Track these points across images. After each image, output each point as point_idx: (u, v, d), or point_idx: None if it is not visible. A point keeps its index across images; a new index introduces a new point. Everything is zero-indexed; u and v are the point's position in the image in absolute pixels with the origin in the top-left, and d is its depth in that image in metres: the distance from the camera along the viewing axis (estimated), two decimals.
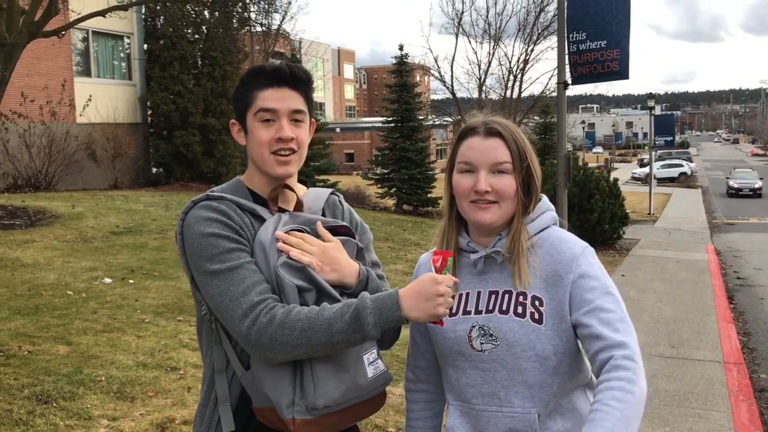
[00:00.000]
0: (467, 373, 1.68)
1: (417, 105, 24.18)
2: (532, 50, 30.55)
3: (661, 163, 47.68)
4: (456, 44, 42.81)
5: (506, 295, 1.64)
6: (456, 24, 31.69)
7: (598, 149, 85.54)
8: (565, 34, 8.51)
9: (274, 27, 28.78)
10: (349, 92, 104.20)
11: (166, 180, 20.81)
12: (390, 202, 23.26)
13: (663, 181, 43.12)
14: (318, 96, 65.89)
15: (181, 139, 20.42)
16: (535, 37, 30.27)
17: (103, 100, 19.23)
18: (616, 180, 16.33)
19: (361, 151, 67.02)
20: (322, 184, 22.68)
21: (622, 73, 8.18)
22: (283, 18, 28.82)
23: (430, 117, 31.76)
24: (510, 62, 31.55)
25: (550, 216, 1.72)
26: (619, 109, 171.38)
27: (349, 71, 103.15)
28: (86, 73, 19.71)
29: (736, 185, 37.95)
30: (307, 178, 22.16)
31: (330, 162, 24.82)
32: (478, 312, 1.67)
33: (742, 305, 9.61)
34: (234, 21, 23.22)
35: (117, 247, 9.34)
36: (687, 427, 4.83)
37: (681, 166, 48.62)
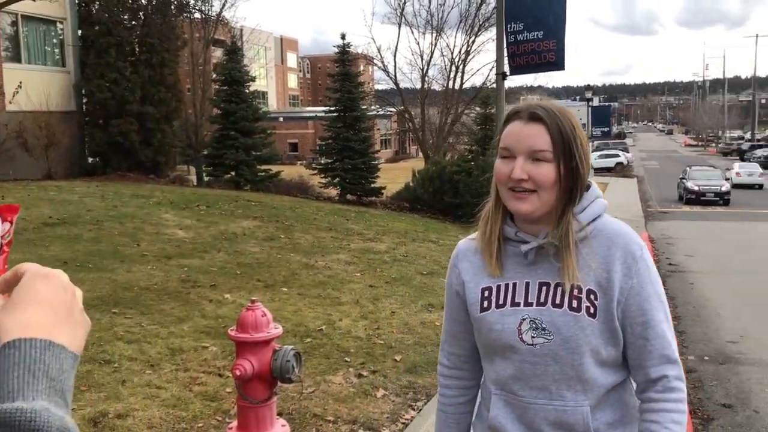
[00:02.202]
0: (515, 365, 1.61)
1: (360, 94, 24.14)
2: (473, 41, 30.88)
3: (599, 153, 48.73)
4: (399, 34, 42.83)
5: (559, 288, 1.58)
6: (399, 14, 31.77)
7: None
8: (504, 25, 8.63)
9: (214, 14, 28.26)
10: (293, 81, 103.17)
11: (103, 170, 20.23)
12: (333, 191, 23.19)
13: (600, 170, 44.10)
14: (260, 85, 64.98)
15: (117, 128, 19.87)
16: (476, 29, 30.61)
17: (35, 87, 18.53)
18: None
19: (305, 140, 66.51)
20: (264, 174, 22.44)
21: (559, 64, 8.34)
22: (224, 5, 28.33)
23: (373, 107, 31.79)
24: (452, 53, 31.82)
25: (601, 204, 1.64)
26: (559, 101, 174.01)
27: (292, 60, 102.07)
28: (16, 59, 18.94)
29: (696, 188, 28.55)
30: (248, 168, 21.90)
31: (273, 152, 24.55)
32: (528, 304, 1.60)
33: (673, 290, 9.95)
34: (172, 7, 22.69)
35: (49, 239, 9.06)
36: None
37: (617, 156, 49.84)
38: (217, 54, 33.11)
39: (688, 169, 32.01)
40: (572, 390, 1.58)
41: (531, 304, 1.59)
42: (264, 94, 75.66)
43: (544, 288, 1.59)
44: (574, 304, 1.55)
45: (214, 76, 26.76)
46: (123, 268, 7.89)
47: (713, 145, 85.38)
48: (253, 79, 24.06)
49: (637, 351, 1.57)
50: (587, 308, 1.55)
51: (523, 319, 1.59)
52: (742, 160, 53.16)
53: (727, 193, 28.58)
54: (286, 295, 7.42)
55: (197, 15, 27.32)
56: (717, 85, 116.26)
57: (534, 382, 1.60)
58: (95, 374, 4.73)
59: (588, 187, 1.63)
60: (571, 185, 1.56)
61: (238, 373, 3.21)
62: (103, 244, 8.98)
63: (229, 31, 29.88)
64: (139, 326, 5.85)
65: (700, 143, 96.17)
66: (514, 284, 1.62)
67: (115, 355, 5.10)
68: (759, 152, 59.50)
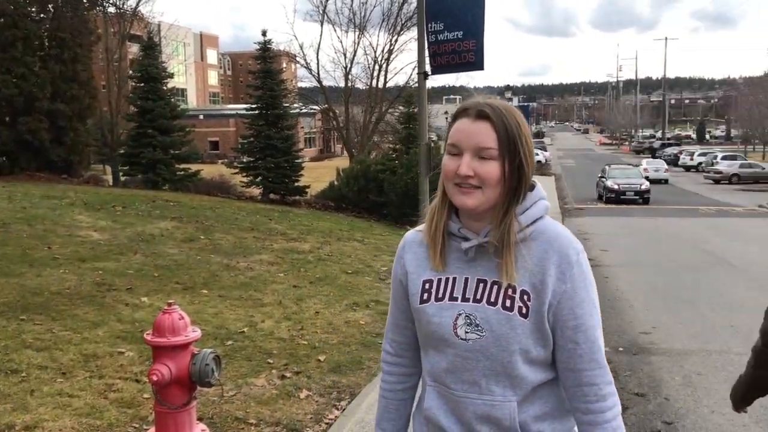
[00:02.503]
0: (449, 359, 1.64)
1: (282, 92, 23.87)
2: (396, 41, 31.06)
3: None
4: (321, 32, 42.75)
5: (495, 286, 1.60)
6: (321, 12, 31.61)
7: None
8: (425, 25, 8.70)
9: (129, 8, 27.40)
10: (213, 78, 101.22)
11: (10, 170, 19.30)
12: (256, 191, 22.86)
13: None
14: (179, 82, 63.39)
15: (26, 126, 18.99)
16: (399, 28, 30.80)
17: None
18: None
19: (226, 138, 65.36)
20: (183, 173, 21.91)
21: (478, 64, 8.47)
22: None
23: (296, 105, 31.52)
24: (375, 52, 31.92)
25: (543, 206, 1.65)
26: None
27: (212, 56, 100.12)
28: None
29: (616, 187, 28.33)
30: (166, 167, 21.33)
31: (193, 150, 24.01)
32: (465, 299, 1.62)
33: None
34: (84, 0, 21.85)
35: None
36: None
37: (536, 155, 51.07)
38: (134, 50, 32.12)
39: (606, 168, 31.61)
40: (501, 385, 1.61)
41: (468, 300, 1.61)
42: (183, 92, 73.94)
43: (482, 285, 1.61)
44: (508, 303, 1.58)
45: (131, 72, 25.95)
46: (32, 272, 7.52)
47: (626, 143, 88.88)
48: (171, 76, 23.46)
49: (567, 354, 1.61)
50: (519, 308, 1.57)
51: (459, 314, 1.61)
52: (654, 157, 55.78)
53: (647, 191, 28.31)
54: (207, 298, 7.25)
55: (111, 9, 26.40)
56: (630, 85, 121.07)
57: (465, 376, 1.63)
58: (0, 384, 4.48)
59: (532, 187, 1.65)
60: (516, 183, 1.59)
61: (155, 378, 3.10)
62: (10, 247, 8.55)
63: (146, 27, 28.99)
64: (50, 333, 5.58)
65: (614, 142, 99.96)
66: (454, 279, 1.65)
67: (22, 364, 4.85)
68: (669, 150, 62.37)
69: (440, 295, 1.65)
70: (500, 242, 1.58)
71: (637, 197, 28.05)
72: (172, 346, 3.17)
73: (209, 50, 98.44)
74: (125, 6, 26.92)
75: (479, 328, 1.59)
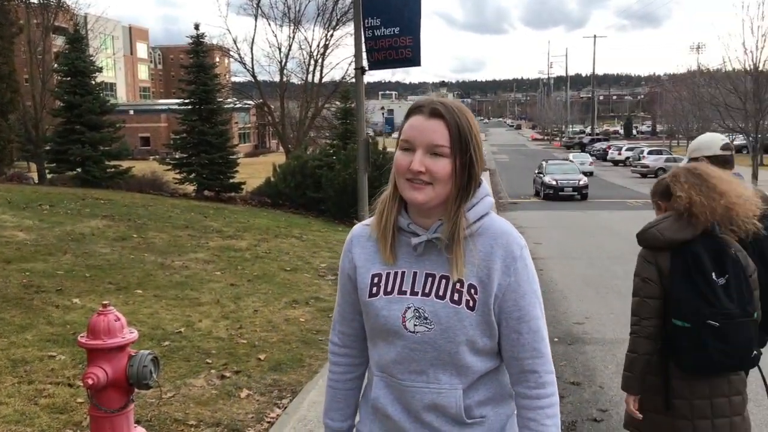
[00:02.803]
0: (397, 350, 1.68)
1: (216, 87, 23.44)
2: (331, 35, 30.95)
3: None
4: (255, 26, 42.15)
5: (443, 280, 1.64)
6: (255, 5, 31.21)
7: (397, 134, 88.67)
8: (362, 21, 8.69)
9: None
10: (143, 72, 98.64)
11: None
12: (190, 188, 22.42)
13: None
14: (108, 76, 61.51)
15: None
16: (334, 23, 30.69)
17: None
18: None
19: (157, 134, 63.84)
20: (113, 170, 21.28)
21: (415, 60, 8.52)
22: None
23: (230, 100, 31.03)
24: (311, 47, 31.74)
25: (489, 202, 1.70)
26: (417, 96, 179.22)
27: (142, 50, 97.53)
28: None
29: (554, 183, 28.05)
30: (96, 164, 20.68)
31: (123, 146, 23.33)
32: (414, 293, 1.66)
33: None
34: None
35: None
36: None
37: None
38: (59, 42, 30.99)
39: (543, 163, 31.25)
40: (448, 374, 1.66)
41: (416, 294, 1.66)
42: (112, 86, 71.83)
43: (430, 279, 1.65)
44: (456, 296, 1.63)
45: (56, 66, 25.02)
46: None
47: (557, 139, 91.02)
48: (100, 70, 22.75)
49: (511, 343, 1.67)
50: (467, 301, 1.62)
51: (408, 308, 1.65)
52: (584, 152, 57.44)
53: (585, 187, 28.13)
54: (142, 298, 7.07)
55: (35, 0, 25.39)
56: (561, 82, 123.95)
57: (413, 367, 1.67)
58: None
59: (479, 183, 1.70)
60: (466, 181, 1.63)
61: (90, 382, 3.01)
62: None
63: (72, 18, 28.01)
64: None
65: (545, 137, 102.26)
66: (403, 273, 1.68)
67: None
68: (598, 145, 64.23)
69: (389, 289, 1.68)
70: (450, 238, 1.63)
71: (575, 193, 27.81)
72: (109, 348, 3.08)
73: (139, 44, 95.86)
74: None
75: (428, 321, 1.63)
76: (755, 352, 2.72)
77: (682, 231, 2.74)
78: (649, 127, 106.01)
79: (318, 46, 31.27)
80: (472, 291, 1.63)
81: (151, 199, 17.07)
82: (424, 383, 1.67)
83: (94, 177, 20.38)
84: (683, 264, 2.69)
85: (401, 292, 1.67)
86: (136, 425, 3.29)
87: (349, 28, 29.87)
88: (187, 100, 22.82)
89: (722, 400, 2.78)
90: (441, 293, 1.64)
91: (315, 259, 10.39)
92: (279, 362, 5.44)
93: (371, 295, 1.70)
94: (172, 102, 40.56)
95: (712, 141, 3.40)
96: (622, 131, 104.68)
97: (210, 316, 6.63)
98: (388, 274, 1.70)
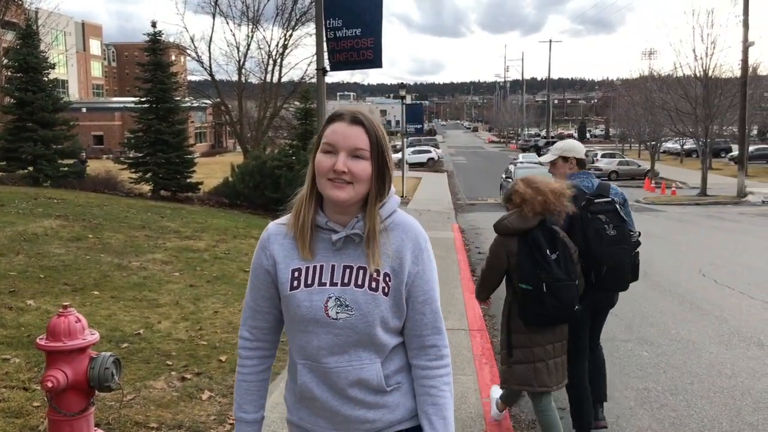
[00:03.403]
0: (320, 337, 1.84)
1: (173, 85, 23.09)
2: (290, 36, 30.76)
3: (412, 149, 50.76)
4: (213, 25, 41.69)
5: (361, 271, 1.83)
6: (213, 4, 30.86)
7: None
8: (323, 21, 8.68)
9: None
10: (97, 70, 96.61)
11: None
12: (146, 187, 22.04)
13: (414, 166, 46.02)
14: (60, 73, 60.09)
15: None
16: (293, 23, 30.51)
17: None
18: None
19: (111, 133, 62.59)
20: (66, 169, 20.79)
21: (376, 62, 8.56)
22: None
23: (187, 98, 30.62)
24: (269, 46, 31.51)
25: (396, 200, 1.91)
26: (374, 98, 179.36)
27: (95, 47, 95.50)
28: None
29: None
30: (48, 163, 20.19)
31: (76, 145, 22.77)
32: (333, 284, 1.84)
33: None
34: None
35: None
36: None
37: (429, 152, 52.29)
38: (8, 38, 30.14)
39: (512, 167, 29.75)
40: (367, 351, 1.86)
41: (336, 284, 1.83)
42: (64, 83, 70.17)
43: (348, 270, 1.84)
44: (373, 285, 1.83)
45: (6, 61, 24.34)
46: None
47: (513, 141, 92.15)
48: (53, 67, 22.15)
49: (415, 322, 1.90)
50: (383, 288, 1.84)
51: (329, 297, 1.83)
52: (539, 155, 58.32)
53: None
54: (98, 299, 6.94)
55: None
56: (516, 85, 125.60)
57: (336, 350, 1.85)
58: None
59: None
60: (381, 181, 1.83)
61: (50, 384, 2.95)
62: None
63: (23, 13, 27.28)
64: None
65: (502, 140, 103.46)
66: (321, 266, 1.85)
67: None
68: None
69: (309, 281, 1.85)
70: (367, 234, 1.82)
71: None
72: (69, 350, 3.03)
73: (92, 40, 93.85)
74: None
75: (348, 308, 1.82)
76: (577, 307, 3.78)
77: (524, 223, 3.79)
78: (602, 130, 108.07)
79: (277, 45, 31.08)
80: (387, 279, 1.84)
81: (106, 199, 16.74)
82: (347, 362, 1.85)
83: (46, 176, 19.89)
84: (526, 245, 3.75)
85: (321, 284, 1.84)
86: (96, 428, 3.24)
87: (308, 28, 29.79)
88: (143, 99, 22.43)
89: (556, 345, 3.91)
90: (360, 282, 1.83)
91: None
92: None
93: (292, 288, 1.85)
94: (127, 100, 39.84)
95: (581, 147, 4.53)
96: (576, 135, 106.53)
97: (169, 317, 6.55)
98: (307, 268, 1.85)
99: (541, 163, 4.80)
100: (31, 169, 20.15)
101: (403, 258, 1.85)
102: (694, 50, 32.48)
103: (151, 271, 8.56)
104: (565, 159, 4.39)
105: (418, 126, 31.04)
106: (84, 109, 60.97)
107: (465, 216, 21.41)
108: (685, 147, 52.25)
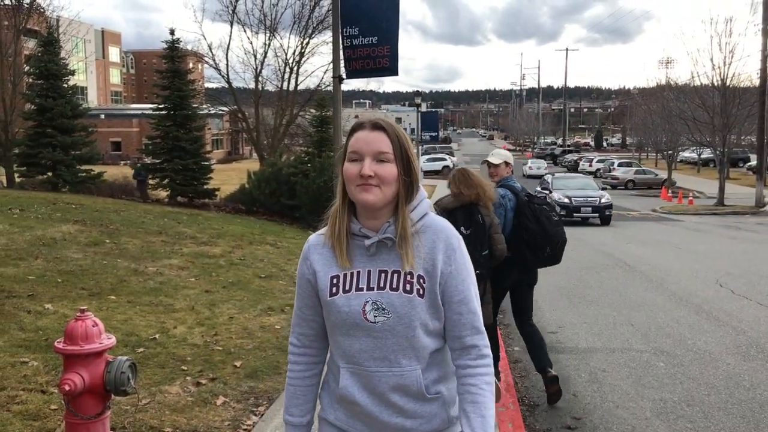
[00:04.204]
0: (361, 340, 1.89)
1: (190, 92, 23.31)
2: (307, 43, 30.95)
3: (427, 157, 50.85)
4: (231, 33, 41.95)
5: (395, 275, 1.87)
6: (231, 12, 31.11)
7: None
8: (339, 30, 8.71)
9: (27, 1, 26.02)
10: (115, 77, 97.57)
11: None
12: (163, 193, 22.22)
13: (429, 173, 46.07)
14: (79, 80, 60.74)
15: None
16: (310, 31, 30.69)
17: None
18: None
19: (129, 139, 63.16)
20: (85, 174, 21.02)
21: (393, 70, 8.56)
22: None
23: (205, 106, 30.85)
24: (286, 54, 31.67)
25: (427, 203, 1.95)
26: (390, 106, 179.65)
27: (114, 54, 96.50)
28: None
29: (567, 201, 21.80)
30: (67, 168, 20.42)
31: (94, 151, 23.02)
32: (370, 288, 1.88)
33: None
34: None
35: None
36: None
37: (444, 160, 52.33)
38: (30, 45, 30.54)
39: (549, 177, 25.57)
40: (407, 357, 1.89)
41: (372, 289, 1.88)
42: (83, 90, 70.92)
43: (383, 275, 1.88)
44: (408, 287, 1.86)
45: (28, 68, 24.66)
46: None
47: (529, 150, 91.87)
48: (72, 73, 22.48)
49: (453, 323, 1.92)
50: (417, 290, 1.86)
51: (367, 302, 1.87)
52: (555, 164, 58.28)
53: (609, 206, 21.58)
54: (115, 304, 7.00)
55: (7, 1, 25.01)
56: (533, 94, 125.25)
57: (377, 354, 1.88)
58: None
59: (418, 187, 1.95)
60: (408, 183, 1.88)
61: (67, 388, 2.98)
62: None
63: (45, 21, 27.64)
64: None
65: (518, 148, 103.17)
66: (358, 272, 1.90)
67: None
68: (569, 157, 64.98)
69: (347, 287, 1.89)
70: (399, 237, 1.86)
71: (596, 215, 21.54)
72: (86, 354, 3.06)
73: (111, 47, 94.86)
74: None
75: (385, 311, 1.86)
76: (479, 271, 4.24)
77: (451, 204, 4.91)
78: (619, 139, 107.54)
79: (294, 53, 31.26)
80: (421, 281, 1.87)
81: (124, 205, 16.88)
82: (387, 368, 1.88)
83: (64, 181, 20.10)
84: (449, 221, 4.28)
85: (359, 289, 1.89)
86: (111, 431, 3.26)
87: (325, 36, 29.93)
88: (161, 106, 22.64)
89: None
90: (395, 285, 1.87)
91: (290, 266, 10.36)
92: (255, 369, 5.42)
93: (332, 294, 1.90)
94: (145, 107, 40.13)
95: (510, 155, 5.82)
96: (592, 143, 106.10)
97: (185, 322, 6.58)
98: (345, 275, 1.90)
99: (487, 162, 5.77)
100: (50, 174, 20.39)
101: (436, 259, 1.88)
102: (711, 59, 32.26)
103: (168, 276, 8.61)
104: (507, 164, 5.62)
105: (433, 134, 31.09)
106: (102, 116, 61.55)
107: None
108: (702, 156, 51.90)
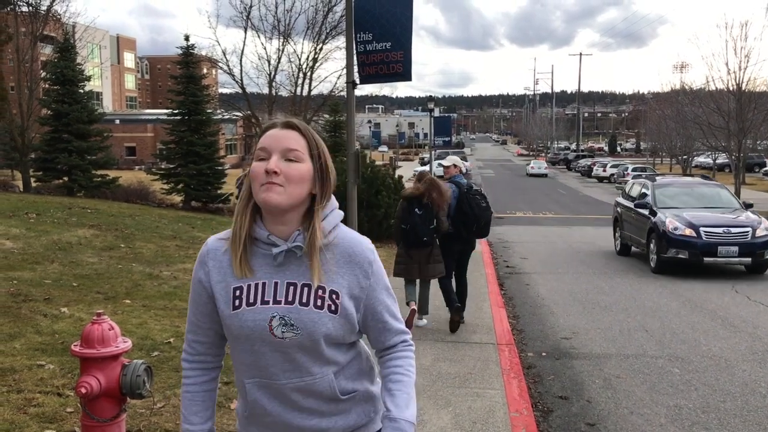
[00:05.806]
0: (267, 355, 1.77)
1: (205, 98, 23.46)
2: (321, 49, 31.01)
3: (440, 161, 50.76)
4: (245, 38, 42.19)
5: (305, 288, 1.75)
6: (245, 18, 31.25)
7: (384, 148, 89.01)
8: (353, 35, 8.76)
9: (44, 8, 26.30)
10: (130, 82, 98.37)
11: None
12: (177, 198, 22.35)
13: (441, 178, 45.94)
14: (95, 85, 61.28)
15: None
16: (323, 36, 30.75)
17: None
18: (400, 177, 17.12)
19: (143, 144, 63.59)
20: (100, 179, 21.19)
21: (406, 75, 8.60)
22: None
23: (219, 111, 31.00)
24: (299, 60, 31.78)
25: (339, 214, 1.84)
26: (402, 110, 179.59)
27: (129, 60, 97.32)
28: None
29: (698, 236, 11.93)
30: (83, 173, 20.59)
31: (109, 156, 23.20)
32: (276, 302, 1.75)
33: (512, 291, 10.56)
34: None
35: None
36: (467, 406, 5.20)
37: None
38: (47, 51, 30.87)
39: (649, 186, 14.20)
40: (318, 365, 1.80)
41: (280, 303, 1.75)
42: (99, 95, 71.56)
43: (291, 288, 1.75)
44: (318, 302, 1.75)
45: (44, 74, 24.92)
46: None
47: (543, 154, 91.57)
48: (89, 79, 22.68)
49: (378, 332, 1.88)
50: (329, 306, 1.75)
51: (273, 316, 1.74)
52: (569, 169, 58.15)
53: (765, 246, 11.85)
54: (130, 308, 7.05)
55: (24, 8, 25.29)
56: (546, 98, 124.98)
57: (286, 366, 1.78)
58: None
59: (330, 196, 1.84)
60: (320, 186, 1.77)
61: (83, 391, 3.01)
62: None
63: (61, 27, 27.93)
64: None
65: (531, 153, 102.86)
66: (264, 284, 1.76)
67: None
68: (582, 162, 64.68)
69: (251, 300, 1.75)
70: (309, 247, 1.74)
71: (748, 260, 11.95)
72: (102, 357, 3.08)
73: (126, 53, 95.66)
74: (40, 5, 25.76)
75: (294, 327, 1.74)
76: (425, 239, 7.16)
77: (410, 194, 7.24)
78: (633, 144, 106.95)
79: (307, 59, 31.32)
80: (334, 296, 1.76)
81: (138, 209, 17.00)
82: (299, 378, 1.78)
83: (80, 186, 20.28)
84: (408, 205, 7.24)
85: (264, 302, 1.75)
86: None
87: (338, 42, 29.95)
88: (176, 111, 22.80)
89: (421, 258, 7.29)
90: (305, 300, 1.74)
91: None
92: None
93: (234, 308, 1.76)
94: (160, 112, 40.36)
95: (459, 159, 8.20)
96: (606, 148, 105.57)
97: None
98: (249, 286, 1.76)
99: (441, 164, 8.44)
100: (65, 179, 20.57)
101: (352, 273, 1.79)
102: (726, 63, 32.02)
103: (182, 280, 8.66)
104: (455, 166, 8.00)
105: (446, 138, 31.01)
106: (117, 121, 62.04)
107: (493, 229, 21.22)
108: (717, 161, 51.52)
